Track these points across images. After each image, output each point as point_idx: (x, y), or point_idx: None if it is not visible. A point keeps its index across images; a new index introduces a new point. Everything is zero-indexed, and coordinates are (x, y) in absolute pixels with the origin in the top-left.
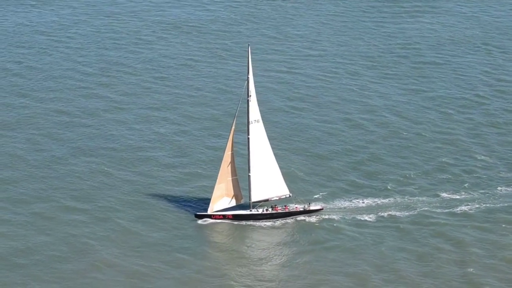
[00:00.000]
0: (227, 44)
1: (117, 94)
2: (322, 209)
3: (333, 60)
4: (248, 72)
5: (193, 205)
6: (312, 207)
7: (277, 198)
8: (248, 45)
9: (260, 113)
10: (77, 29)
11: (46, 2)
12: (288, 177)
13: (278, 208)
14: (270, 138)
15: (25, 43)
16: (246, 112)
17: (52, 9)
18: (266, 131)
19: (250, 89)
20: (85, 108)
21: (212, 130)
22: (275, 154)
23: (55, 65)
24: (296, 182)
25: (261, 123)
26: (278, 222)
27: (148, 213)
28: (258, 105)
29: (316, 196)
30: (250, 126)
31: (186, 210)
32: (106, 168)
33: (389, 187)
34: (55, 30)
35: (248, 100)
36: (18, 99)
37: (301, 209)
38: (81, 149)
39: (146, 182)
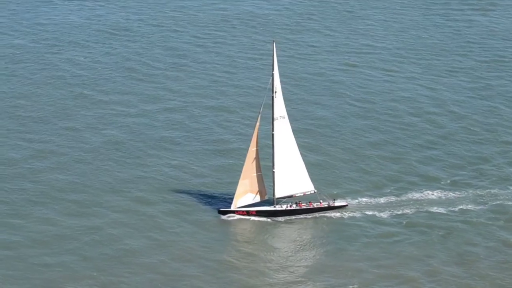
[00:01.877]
0: (288, 39)
1: (153, 87)
2: (347, 205)
3: (396, 55)
4: (273, 69)
5: (219, 200)
6: (337, 203)
7: (302, 194)
8: (273, 41)
9: (303, 105)
10: (140, 24)
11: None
12: (316, 171)
13: (302, 204)
14: (305, 132)
15: (87, 40)
16: (271, 108)
17: (117, 4)
18: (303, 125)
19: (275, 85)
20: (122, 100)
21: (245, 124)
22: (306, 149)
23: (118, 59)
24: (324, 177)
25: (286, 119)
26: (302, 218)
27: (173, 207)
28: (300, 98)
29: (343, 192)
30: (275, 122)
31: (211, 205)
32: (135, 160)
33: (421, 183)
34: (118, 26)
35: (273, 96)
36: (70, 92)
37: (326, 206)
38: (114, 141)
39: (173, 175)
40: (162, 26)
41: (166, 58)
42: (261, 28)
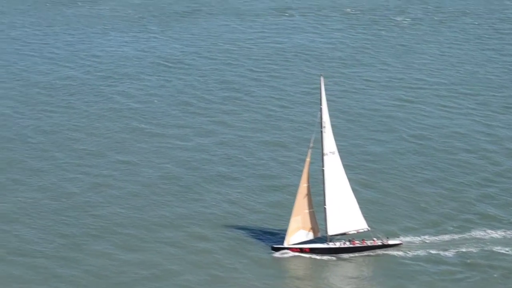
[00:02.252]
0: (343, 73)
1: (209, 121)
2: (401, 243)
3: (451, 90)
4: (321, 103)
5: (278, 237)
6: (391, 242)
7: (355, 232)
8: (321, 75)
9: (357, 140)
10: (195, 57)
11: (165, 30)
12: (371, 208)
13: (356, 242)
14: (359, 168)
15: (142, 72)
16: (321, 143)
17: (171, 37)
18: (357, 160)
19: (324, 120)
20: (177, 134)
21: (301, 159)
22: (360, 185)
23: (173, 92)
24: (378, 214)
25: (336, 155)
26: (357, 255)
27: (232, 242)
28: (355, 134)
29: (399, 229)
30: (325, 157)
31: (268, 241)
32: (192, 195)
33: (480, 221)
34: (172, 58)
35: (321, 131)
36: (133, 124)
37: (379, 243)
38: (171, 175)
39: (231, 210)
40: (216, 59)
41: (221, 92)
42: (315, 62)
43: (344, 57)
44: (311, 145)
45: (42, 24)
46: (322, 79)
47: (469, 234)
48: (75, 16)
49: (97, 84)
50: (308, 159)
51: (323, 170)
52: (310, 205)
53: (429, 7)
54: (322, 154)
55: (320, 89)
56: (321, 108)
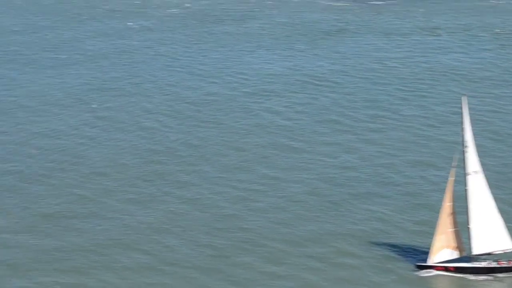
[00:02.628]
0: (492, 93)
1: (356, 138)
2: None
3: None
4: (462, 123)
5: (420, 254)
6: None
7: (502, 252)
8: (464, 95)
9: (507, 160)
10: (341, 75)
11: (312, 48)
12: None
13: (502, 262)
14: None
15: (288, 89)
16: (463, 162)
17: (318, 55)
18: (507, 179)
19: (466, 139)
20: (324, 151)
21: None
22: (507, 204)
23: (322, 110)
24: None
25: (480, 174)
26: (504, 276)
27: (379, 258)
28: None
29: None
30: (468, 177)
31: (413, 258)
32: (339, 212)
33: None
34: (318, 76)
35: (464, 151)
36: (288, 141)
37: None
38: (318, 191)
39: (377, 227)
40: (363, 78)
41: (368, 110)
42: (463, 81)
43: (494, 77)
44: (454, 164)
45: (191, 41)
46: (464, 98)
47: None
48: (222, 34)
49: (244, 100)
50: (451, 178)
51: (466, 190)
52: (454, 224)
53: None
54: (465, 174)
55: (461, 108)
56: (462, 127)
